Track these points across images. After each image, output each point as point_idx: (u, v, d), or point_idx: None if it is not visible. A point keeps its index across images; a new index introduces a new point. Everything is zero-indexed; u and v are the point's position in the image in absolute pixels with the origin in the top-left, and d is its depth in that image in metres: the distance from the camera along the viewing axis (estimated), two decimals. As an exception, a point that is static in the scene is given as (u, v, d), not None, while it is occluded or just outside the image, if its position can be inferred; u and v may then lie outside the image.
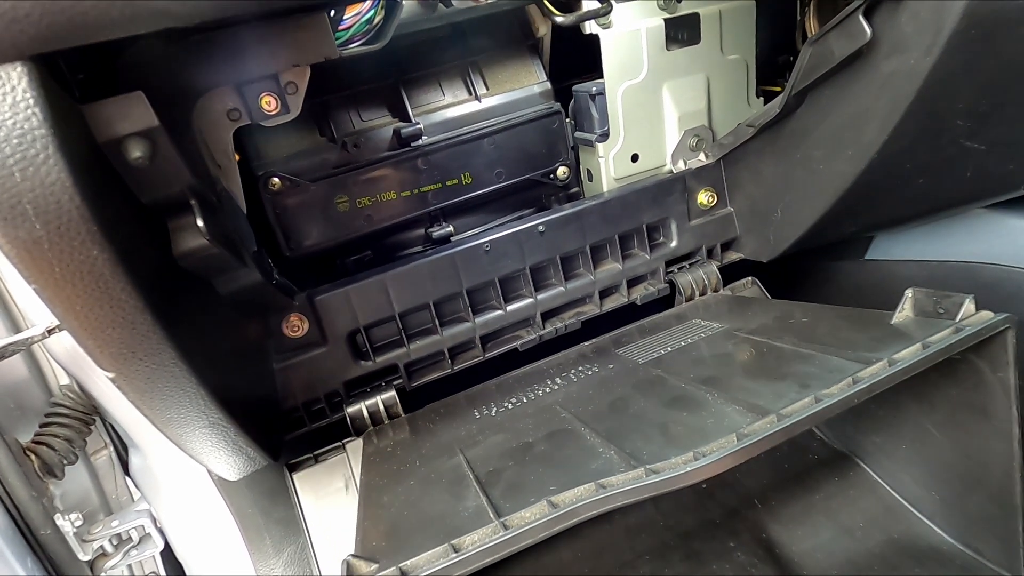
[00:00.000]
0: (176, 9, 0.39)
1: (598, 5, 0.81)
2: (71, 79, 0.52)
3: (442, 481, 0.66)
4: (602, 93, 1.00)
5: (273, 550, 1.05)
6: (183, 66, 0.62)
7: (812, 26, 1.03)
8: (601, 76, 0.99)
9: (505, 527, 0.50)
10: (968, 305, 0.64)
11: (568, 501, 0.51)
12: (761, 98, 1.09)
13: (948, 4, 0.63)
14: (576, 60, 1.10)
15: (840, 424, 0.88)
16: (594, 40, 0.96)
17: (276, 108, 0.79)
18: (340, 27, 0.76)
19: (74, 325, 0.45)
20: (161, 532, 1.14)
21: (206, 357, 0.60)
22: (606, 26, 0.95)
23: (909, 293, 0.71)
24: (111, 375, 0.51)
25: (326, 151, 0.97)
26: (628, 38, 0.96)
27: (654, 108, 1.02)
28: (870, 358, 0.61)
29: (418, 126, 0.98)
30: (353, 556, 0.51)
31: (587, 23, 0.95)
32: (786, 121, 0.90)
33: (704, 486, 0.85)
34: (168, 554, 1.18)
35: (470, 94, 1.04)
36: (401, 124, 0.99)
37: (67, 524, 1.06)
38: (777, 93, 1.03)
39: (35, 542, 0.93)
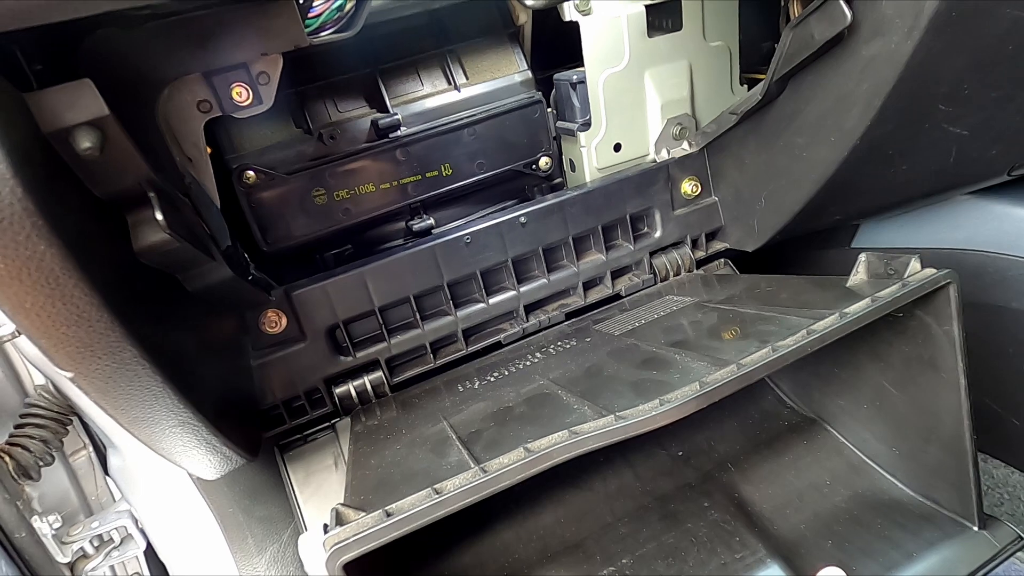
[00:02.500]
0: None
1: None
2: (27, 69, 0.51)
3: (426, 444, 0.69)
4: (583, 81, 0.98)
5: (256, 549, 1.03)
6: (144, 53, 0.60)
7: (795, 10, 1.01)
8: (582, 65, 0.97)
9: (484, 471, 0.53)
10: (914, 264, 0.69)
11: (542, 447, 0.54)
12: (745, 85, 1.08)
13: (928, -15, 0.61)
14: (557, 49, 1.09)
15: (807, 391, 0.93)
16: (574, 27, 0.94)
17: (248, 99, 0.77)
18: (310, 14, 0.74)
19: (25, 323, 0.43)
20: (143, 532, 1.12)
21: (173, 354, 0.58)
22: (586, 13, 0.93)
23: (862, 257, 0.76)
24: (69, 374, 0.49)
25: (302, 143, 0.95)
26: (609, 25, 0.95)
27: (636, 96, 1.00)
28: (824, 314, 0.65)
29: (396, 117, 0.96)
30: (341, 505, 0.52)
31: (566, 8, 0.93)
32: (769, 108, 0.89)
33: (680, 453, 0.90)
34: (152, 554, 1.17)
35: (449, 84, 1.02)
36: (379, 115, 0.97)
37: (45, 526, 1.04)
38: (761, 80, 1.02)
39: (10, 545, 0.91)
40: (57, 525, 1.06)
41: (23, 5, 0.35)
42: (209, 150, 0.81)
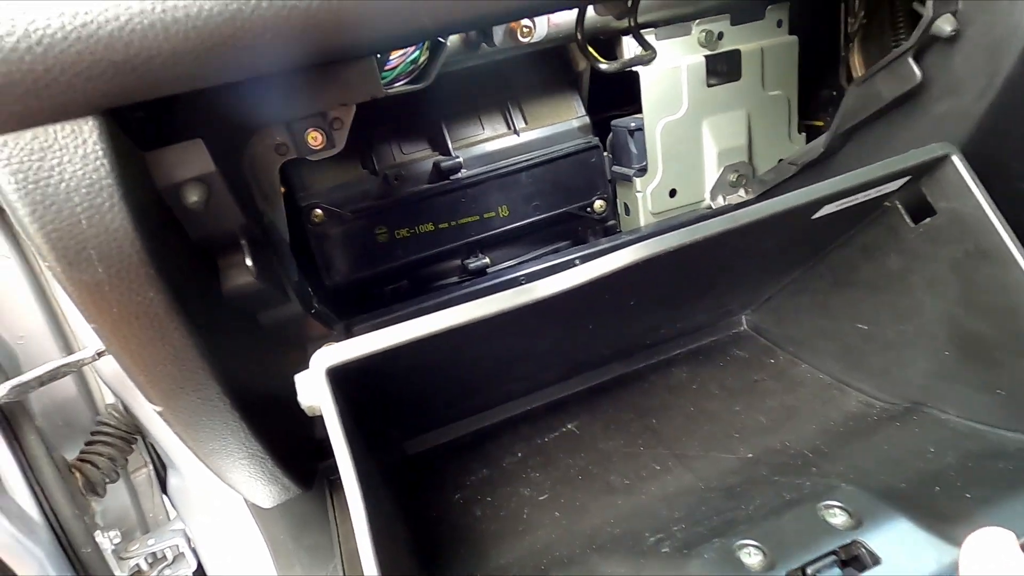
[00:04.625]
0: (236, 66, 0.41)
1: (640, 51, 0.81)
2: (136, 126, 0.55)
3: None
4: (641, 128, 1.00)
5: (302, 576, 1.05)
6: (237, 108, 0.65)
7: (856, 62, 1.01)
8: (639, 110, 0.99)
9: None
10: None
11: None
12: (803, 133, 1.08)
13: (1004, 46, 0.61)
14: (614, 93, 1.11)
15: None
16: (633, 76, 0.96)
17: (322, 143, 0.81)
18: (386, 67, 0.78)
19: (127, 362, 0.47)
20: (194, 552, 1.15)
21: (246, 390, 0.61)
22: (646, 64, 0.95)
23: None
24: (159, 409, 0.52)
25: (367, 183, 0.99)
26: (668, 75, 0.97)
27: (693, 143, 1.01)
28: None
29: (458, 159, 1.00)
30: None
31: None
32: (830, 159, 0.89)
33: (750, 455, 0.79)
34: (201, 574, 1.19)
35: (509, 128, 1.05)
36: (441, 157, 1.00)
37: (106, 541, 1.09)
38: (819, 128, 1.02)
39: (76, 560, 0.95)
40: (117, 541, 1.10)
41: (154, 79, 0.38)
42: (282, 190, 0.86)
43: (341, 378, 0.51)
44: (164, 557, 1.17)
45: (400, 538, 0.64)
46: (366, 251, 0.99)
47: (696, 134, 1.01)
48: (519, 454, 0.85)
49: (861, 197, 0.62)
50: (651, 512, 0.70)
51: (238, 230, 0.53)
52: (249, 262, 0.53)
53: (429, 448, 0.91)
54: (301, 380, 0.52)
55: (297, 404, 0.85)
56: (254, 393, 0.64)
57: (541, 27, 0.85)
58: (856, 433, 0.77)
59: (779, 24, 1.00)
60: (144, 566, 1.15)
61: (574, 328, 0.75)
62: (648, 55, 0.76)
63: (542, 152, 1.04)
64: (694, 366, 0.97)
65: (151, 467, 1.21)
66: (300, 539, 1.05)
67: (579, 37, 0.63)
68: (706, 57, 0.97)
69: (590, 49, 0.66)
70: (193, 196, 0.45)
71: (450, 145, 1.01)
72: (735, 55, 0.98)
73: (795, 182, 0.97)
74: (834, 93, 1.13)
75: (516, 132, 1.04)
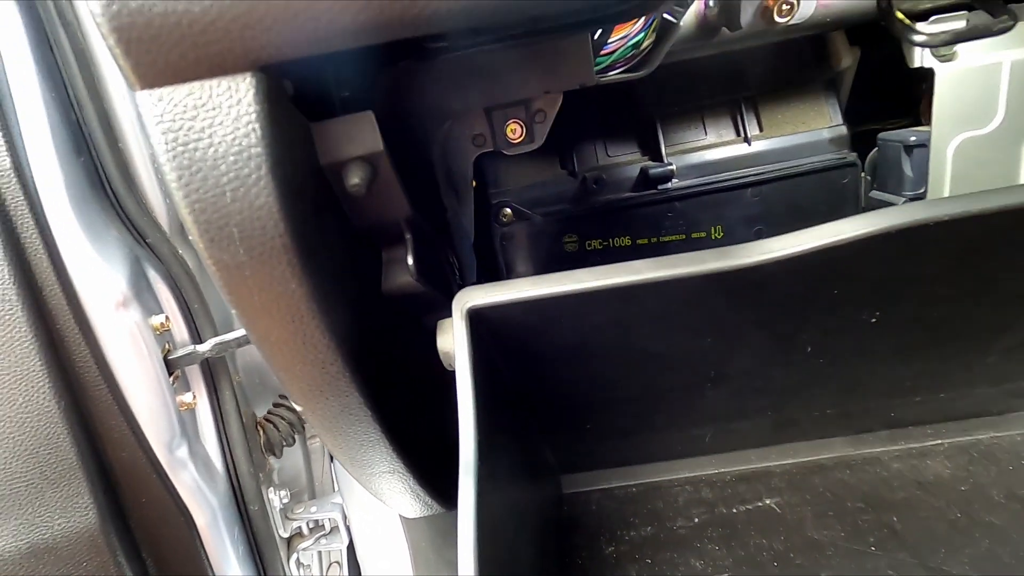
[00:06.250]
0: (423, 14, 0.32)
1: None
2: (310, 95, 0.51)
3: None
4: (924, 145, 0.76)
5: (439, 589, 1.00)
6: (435, 88, 0.59)
7: None
8: (916, 121, 0.75)
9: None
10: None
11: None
12: None
13: None
14: (884, 100, 0.87)
15: None
16: (921, 75, 0.73)
17: (521, 136, 0.73)
18: (603, 51, 0.67)
19: (268, 353, 0.42)
20: (348, 529, 1.18)
21: (393, 402, 0.54)
22: (947, 58, 0.71)
23: None
24: (299, 408, 0.47)
25: (564, 184, 0.89)
26: (977, 75, 0.71)
27: (1005, 169, 0.74)
28: None
29: (670, 167, 0.85)
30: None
31: (917, 52, 0.73)
32: None
33: None
34: (352, 552, 1.22)
35: (738, 135, 0.87)
36: (651, 163, 0.87)
37: (276, 499, 1.15)
38: None
39: (245, 514, 1.01)
40: (286, 500, 1.16)
41: (323, 31, 0.31)
42: (474, 183, 0.80)
43: (490, 345, 0.45)
44: (322, 526, 1.21)
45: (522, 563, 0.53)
46: (552, 259, 0.90)
47: (1011, 157, 0.73)
48: (696, 519, 0.71)
49: None
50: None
51: (403, 223, 0.46)
52: (411, 260, 0.46)
53: (588, 491, 0.79)
54: (444, 324, 0.46)
55: (442, 419, 0.79)
56: (400, 406, 0.57)
57: (807, 5, 0.66)
58: None
59: None
60: (305, 530, 1.20)
61: (786, 343, 0.57)
62: (1003, 22, 0.50)
63: (778, 166, 0.85)
64: (964, 463, 0.73)
65: (324, 437, 1.26)
66: (442, 552, 1.00)
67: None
68: (1044, 52, 0.70)
69: (898, 15, 0.46)
70: (355, 178, 0.39)
71: (663, 149, 0.87)
72: (1093, 50, 0.70)
73: None
74: None
75: (747, 140, 0.86)
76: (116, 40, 0.30)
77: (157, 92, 0.32)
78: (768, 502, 0.73)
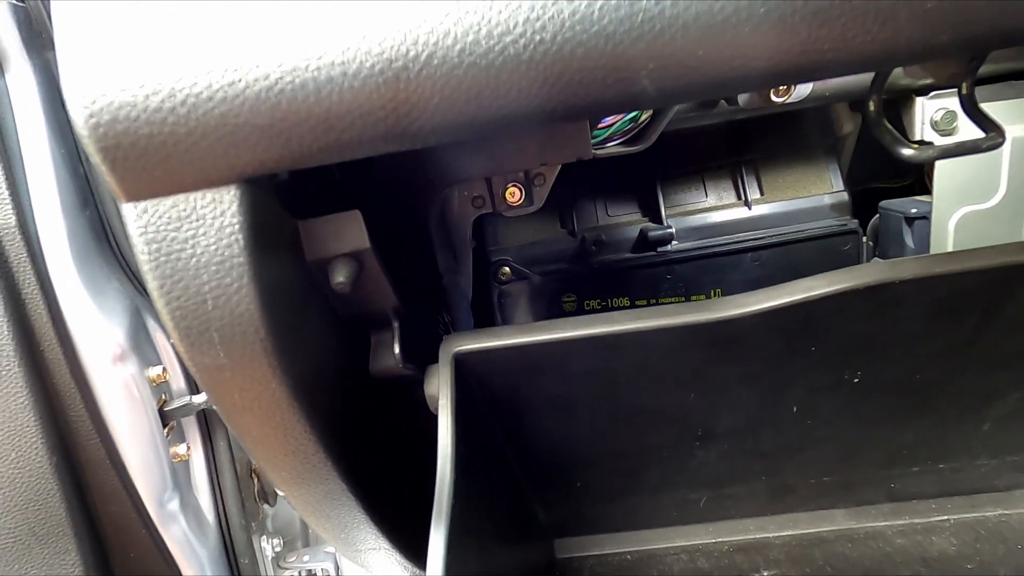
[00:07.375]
0: (407, 132, 0.33)
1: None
2: (294, 191, 0.51)
3: None
4: (925, 217, 0.75)
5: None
6: (433, 164, 0.59)
7: None
8: (920, 179, 0.75)
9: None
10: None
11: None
12: None
13: None
14: (884, 164, 0.87)
15: None
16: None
17: (520, 199, 0.74)
18: (600, 124, 0.67)
19: (249, 447, 0.42)
20: (341, 579, 1.15)
21: (376, 484, 0.54)
22: (948, 133, 0.71)
23: None
24: (281, 493, 0.47)
25: (563, 243, 0.89)
26: (979, 149, 0.71)
27: (1007, 245, 0.73)
28: None
29: (669, 229, 0.85)
30: None
31: (918, 126, 0.73)
32: None
33: None
34: (343, 602, 1.19)
35: (739, 198, 0.87)
36: (650, 225, 0.87)
37: (269, 548, 1.13)
38: None
39: (235, 567, 0.99)
40: (279, 548, 1.14)
41: (308, 149, 0.32)
42: (473, 243, 0.80)
43: (478, 393, 0.46)
44: None
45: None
46: (551, 318, 0.89)
47: (1015, 233, 0.73)
48: (691, 591, 0.69)
49: None
50: None
51: (390, 311, 0.46)
52: (397, 348, 0.45)
53: (582, 556, 0.78)
54: (431, 369, 0.48)
55: (433, 491, 0.78)
56: (386, 482, 0.57)
57: (803, 87, 0.67)
58: None
59: None
60: (296, 580, 1.18)
61: (772, 401, 0.56)
62: (991, 139, 0.49)
63: (778, 231, 0.85)
64: (971, 540, 0.71)
65: (319, 484, 1.25)
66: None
67: (873, 107, 0.45)
68: (1046, 128, 0.69)
69: (887, 126, 0.46)
70: (340, 276, 0.39)
71: (663, 211, 0.87)
72: (1096, 128, 0.69)
73: None
74: None
75: (747, 204, 0.86)
76: (103, 158, 0.30)
77: (142, 204, 0.32)
78: (766, 575, 0.71)
